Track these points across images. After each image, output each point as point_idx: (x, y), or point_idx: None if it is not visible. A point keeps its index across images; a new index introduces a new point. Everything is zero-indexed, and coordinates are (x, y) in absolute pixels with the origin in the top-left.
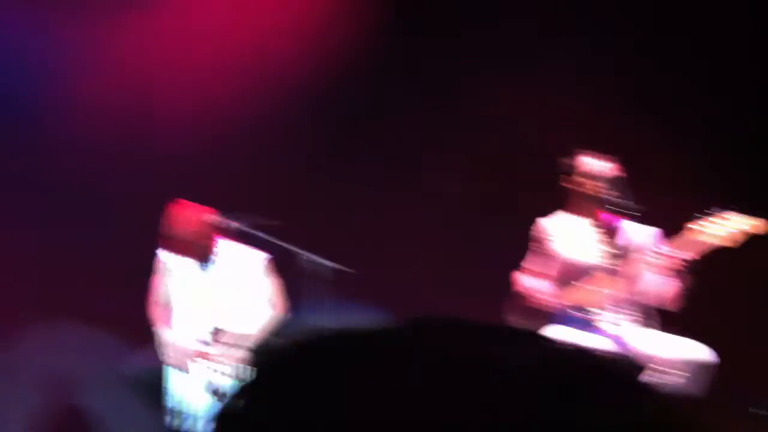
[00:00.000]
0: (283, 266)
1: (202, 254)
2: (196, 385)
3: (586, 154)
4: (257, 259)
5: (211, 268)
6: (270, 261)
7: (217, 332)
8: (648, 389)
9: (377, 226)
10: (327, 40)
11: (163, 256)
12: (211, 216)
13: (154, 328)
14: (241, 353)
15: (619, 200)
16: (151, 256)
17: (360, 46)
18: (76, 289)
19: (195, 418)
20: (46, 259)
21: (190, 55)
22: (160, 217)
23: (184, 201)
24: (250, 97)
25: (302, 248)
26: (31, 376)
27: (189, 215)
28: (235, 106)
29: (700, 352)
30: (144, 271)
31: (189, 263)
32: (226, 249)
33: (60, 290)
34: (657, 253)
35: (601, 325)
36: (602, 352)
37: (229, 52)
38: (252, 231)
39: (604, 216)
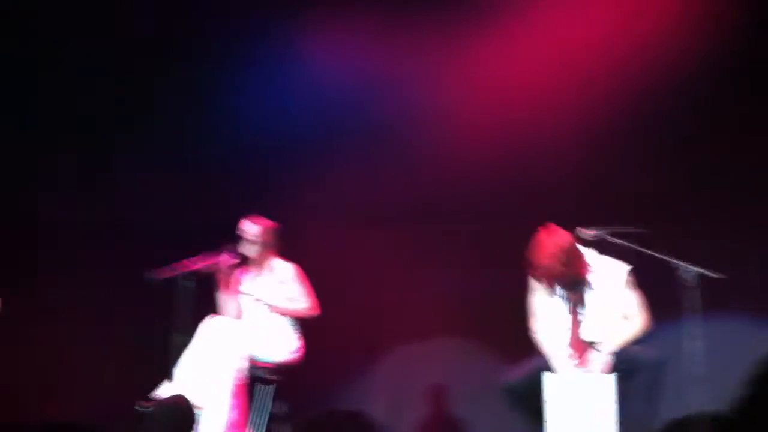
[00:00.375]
0: (648, 275)
1: (570, 278)
2: (573, 395)
3: None
4: (621, 271)
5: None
6: (633, 272)
7: (583, 345)
8: None
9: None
10: (701, 40)
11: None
12: (571, 238)
13: (535, 342)
14: (609, 364)
15: None
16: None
17: (730, 46)
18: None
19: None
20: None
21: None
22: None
23: (552, 225)
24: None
25: (668, 255)
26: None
27: (554, 240)
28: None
29: None
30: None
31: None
32: (592, 264)
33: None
34: None
35: None
36: None
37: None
38: (615, 241)
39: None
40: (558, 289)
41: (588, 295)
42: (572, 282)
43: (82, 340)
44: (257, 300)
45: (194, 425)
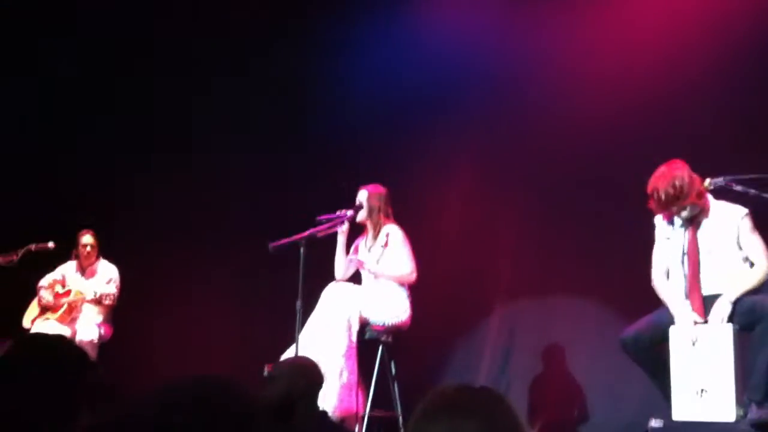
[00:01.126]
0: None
1: (684, 210)
2: (695, 347)
3: None
4: (739, 213)
5: (701, 224)
6: (752, 216)
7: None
8: None
9: None
10: None
11: (657, 220)
12: (688, 168)
13: (656, 294)
14: (729, 314)
15: None
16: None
17: None
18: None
19: None
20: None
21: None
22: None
23: (672, 161)
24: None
25: None
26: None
27: (672, 174)
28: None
29: None
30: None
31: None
32: (710, 206)
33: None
34: None
35: None
36: None
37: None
38: (737, 188)
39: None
40: (676, 222)
41: (706, 235)
42: (689, 211)
43: (209, 308)
44: (363, 267)
45: (322, 385)
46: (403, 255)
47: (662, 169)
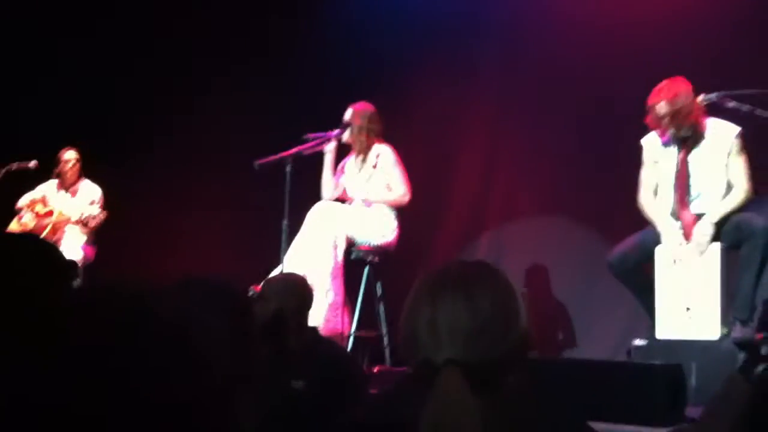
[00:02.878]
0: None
1: (680, 129)
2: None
3: None
4: (731, 132)
5: (694, 145)
6: (743, 135)
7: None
8: None
9: None
10: None
11: (645, 143)
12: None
13: (643, 214)
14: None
15: None
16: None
17: None
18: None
19: None
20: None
21: None
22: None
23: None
24: None
25: None
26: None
27: (674, 91)
28: None
29: None
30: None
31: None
32: (706, 124)
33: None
34: None
35: None
36: None
37: None
38: (732, 104)
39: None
40: (670, 139)
41: (699, 155)
42: (684, 131)
43: (194, 228)
44: (358, 189)
45: (312, 302)
46: (396, 177)
47: (664, 84)
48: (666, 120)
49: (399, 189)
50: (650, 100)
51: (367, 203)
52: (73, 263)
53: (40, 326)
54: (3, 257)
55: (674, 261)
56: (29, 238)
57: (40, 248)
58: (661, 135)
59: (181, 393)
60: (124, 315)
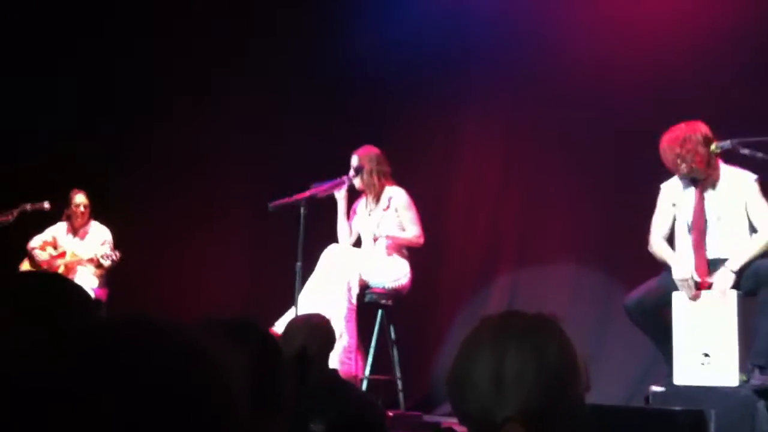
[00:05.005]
0: None
1: (692, 171)
2: (698, 312)
3: None
4: (747, 179)
5: (711, 191)
6: (760, 181)
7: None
8: None
9: None
10: None
11: (665, 187)
12: (705, 129)
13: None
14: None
15: None
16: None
17: None
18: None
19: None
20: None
21: None
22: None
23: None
24: None
25: None
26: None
27: (687, 127)
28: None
29: None
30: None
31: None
32: (720, 172)
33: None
34: None
35: None
36: None
37: None
38: (746, 151)
39: None
40: (686, 188)
41: (715, 200)
42: (696, 171)
43: (207, 270)
44: (369, 232)
45: (334, 344)
46: (409, 218)
47: (678, 127)
48: (677, 162)
49: (413, 230)
50: (660, 147)
51: (388, 239)
52: (98, 301)
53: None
54: (30, 294)
55: (689, 296)
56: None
57: (65, 286)
58: (678, 174)
59: (203, 425)
60: (145, 346)
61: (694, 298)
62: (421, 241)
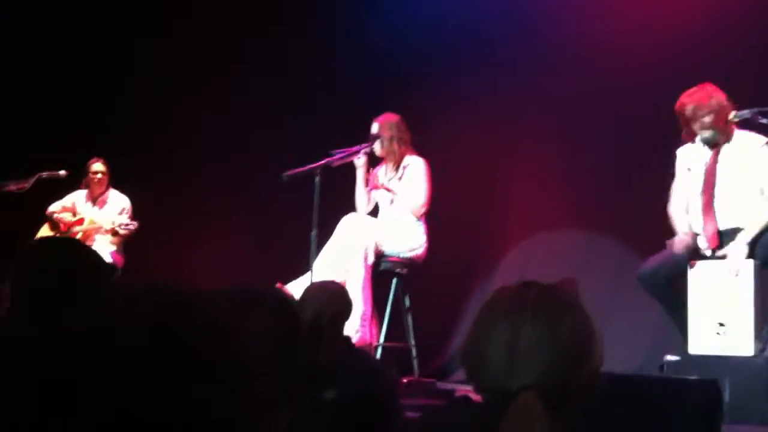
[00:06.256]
0: None
1: (711, 136)
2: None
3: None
4: (759, 143)
5: (725, 156)
6: None
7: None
8: None
9: None
10: None
11: (680, 152)
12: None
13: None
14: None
15: None
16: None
17: None
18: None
19: None
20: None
21: None
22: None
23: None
24: None
25: None
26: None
27: (707, 93)
28: None
29: None
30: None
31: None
32: (734, 136)
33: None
34: None
35: None
36: None
37: None
38: (760, 118)
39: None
40: (700, 152)
41: (727, 164)
42: (712, 135)
43: (223, 238)
44: (387, 200)
45: (350, 312)
46: (417, 187)
47: (697, 88)
48: (694, 124)
49: (417, 200)
50: (679, 102)
51: (382, 187)
52: (112, 266)
53: (83, 326)
54: (46, 259)
55: (709, 278)
56: (70, 241)
57: (81, 251)
58: (691, 140)
59: (223, 396)
60: (166, 313)
61: (691, 266)
62: (421, 212)
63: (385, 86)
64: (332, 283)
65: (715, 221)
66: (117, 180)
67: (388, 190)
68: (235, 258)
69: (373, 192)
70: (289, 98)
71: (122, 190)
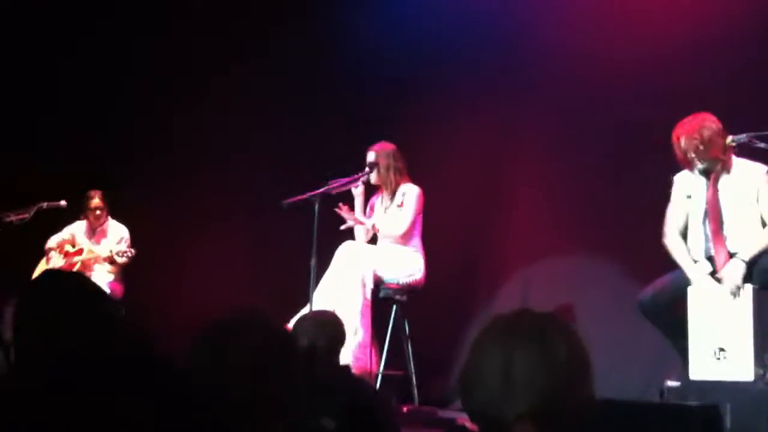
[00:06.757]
0: None
1: (704, 163)
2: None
3: None
4: (759, 171)
5: (724, 183)
6: None
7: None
8: None
9: None
10: None
11: (678, 179)
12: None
13: (669, 252)
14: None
15: None
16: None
17: None
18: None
19: None
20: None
21: None
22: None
23: (702, 112)
24: None
25: None
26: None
27: (700, 123)
28: None
29: None
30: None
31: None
32: (732, 163)
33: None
34: None
35: None
36: None
37: None
38: (757, 143)
39: None
40: (699, 179)
41: (727, 192)
42: (708, 165)
43: (222, 267)
44: (358, 223)
45: (344, 340)
46: (405, 214)
47: (687, 119)
48: (689, 155)
49: (399, 227)
50: (673, 135)
51: (356, 222)
52: (118, 302)
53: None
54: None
55: (707, 302)
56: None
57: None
58: (689, 169)
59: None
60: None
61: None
62: (397, 235)
63: (385, 86)
64: (324, 312)
65: (726, 248)
66: (115, 206)
67: (360, 223)
68: (236, 287)
69: (372, 219)
70: (289, 98)
71: (120, 218)
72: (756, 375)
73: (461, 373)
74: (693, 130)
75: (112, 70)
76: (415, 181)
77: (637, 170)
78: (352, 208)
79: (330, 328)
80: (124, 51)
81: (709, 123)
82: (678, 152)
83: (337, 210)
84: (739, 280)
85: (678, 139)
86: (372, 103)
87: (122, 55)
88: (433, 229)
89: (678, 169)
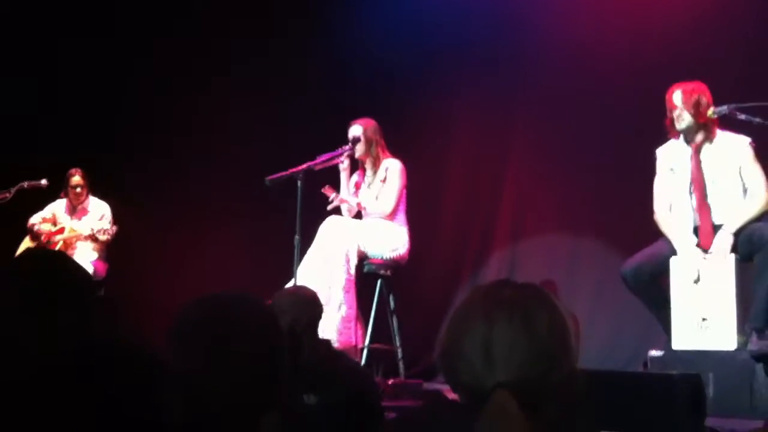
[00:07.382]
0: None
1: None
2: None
3: None
4: (742, 143)
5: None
6: (755, 146)
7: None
8: None
9: None
10: None
11: (660, 152)
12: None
13: (658, 225)
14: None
15: None
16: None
17: None
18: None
19: None
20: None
21: None
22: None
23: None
24: None
25: None
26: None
27: (686, 85)
28: None
29: None
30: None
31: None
32: (715, 135)
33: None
34: None
35: None
36: None
37: None
38: (742, 117)
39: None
40: (682, 152)
41: (710, 165)
42: (695, 132)
43: (206, 244)
44: (343, 202)
45: (321, 314)
46: (390, 190)
47: (687, 81)
48: (678, 106)
49: (386, 204)
50: (669, 90)
51: (341, 202)
52: (98, 281)
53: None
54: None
55: (697, 276)
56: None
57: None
58: (674, 135)
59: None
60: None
61: (697, 277)
62: (385, 215)
63: (385, 86)
64: (302, 288)
65: (710, 219)
66: (98, 185)
67: (346, 202)
68: (220, 264)
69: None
70: (289, 98)
71: (103, 195)
72: (738, 344)
73: (441, 345)
74: (692, 89)
75: (112, 69)
76: (403, 158)
77: (621, 149)
78: (336, 185)
79: (309, 304)
80: (124, 51)
81: (702, 90)
82: (669, 104)
83: (323, 191)
84: (728, 252)
85: (673, 91)
86: (372, 102)
87: (122, 55)
88: (420, 205)
89: (659, 144)
